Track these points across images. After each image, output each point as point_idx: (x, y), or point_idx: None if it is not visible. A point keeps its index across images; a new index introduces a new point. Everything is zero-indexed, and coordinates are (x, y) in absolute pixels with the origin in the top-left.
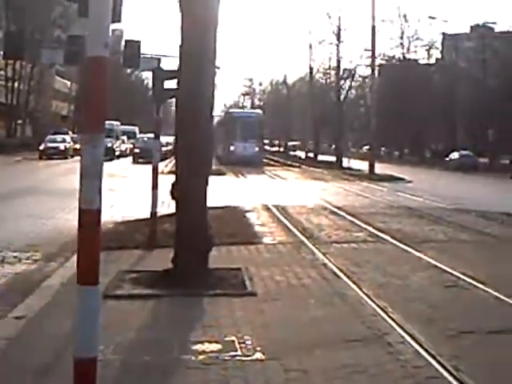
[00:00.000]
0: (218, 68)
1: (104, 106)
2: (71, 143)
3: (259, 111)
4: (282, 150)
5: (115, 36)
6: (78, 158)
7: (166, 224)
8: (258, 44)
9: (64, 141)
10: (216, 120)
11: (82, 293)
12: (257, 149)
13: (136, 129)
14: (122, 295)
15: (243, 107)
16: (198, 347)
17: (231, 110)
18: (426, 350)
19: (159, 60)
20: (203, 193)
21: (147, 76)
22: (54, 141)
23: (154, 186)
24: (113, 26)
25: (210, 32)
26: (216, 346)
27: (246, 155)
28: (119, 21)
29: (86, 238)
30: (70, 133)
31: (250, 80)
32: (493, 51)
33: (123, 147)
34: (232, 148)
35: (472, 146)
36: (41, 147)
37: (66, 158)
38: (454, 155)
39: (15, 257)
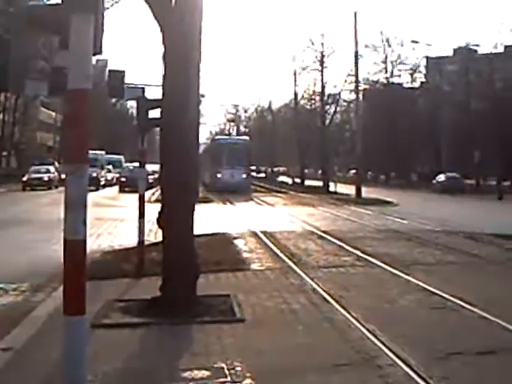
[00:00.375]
0: (203, 96)
1: (87, 137)
2: (55, 174)
3: (246, 138)
4: (268, 176)
5: (99, 66)
6: (63, 188)
7: (154, 252)
8: (243, 72)
9: (48, 171)
10: (202, 147)
11: (69, 323)
12: (244, 175)
13: (122, 158)
14: (111, 324)
15: (229, 134)
16: (188, 374)
17: (218, 137)
18: (416, 372)
19: (143, 89)
20: (190, 221)
21: (132, 105)
22: (38, 171)
23: (141, 215)
24: (96, 57)
25: (194, 61)
26: (205, 373)
27: (234, 182)
28: (100, 53)
29: (72, 268)
30: (56, 163)
31: (236, 107)
32: (476, 73)
33: (109, 176)
34: (219, 175)
35: (458, 168)
36: (24, 178)
37: (50, 188)
38: (441, 177)
39: (1, 288)
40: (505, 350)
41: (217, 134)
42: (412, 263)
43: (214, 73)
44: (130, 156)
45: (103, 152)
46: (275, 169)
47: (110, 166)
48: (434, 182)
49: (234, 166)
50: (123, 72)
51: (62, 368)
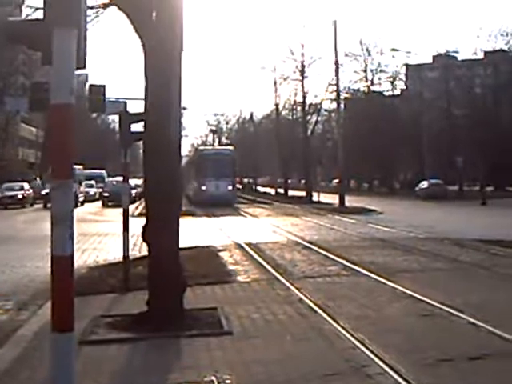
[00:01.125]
0: (185, 109)
1: (71, 152)
2: (30, 191)
3: (230, 148)
4: (245, 186)
5: (80, 81)
6: (39, 206)
7: (139, 267)
8: (224, 83)
9: (22, 189)
10: (185, 160)
11: (57, 340)
12: (230, 187)
13: (104, 173)
14: (98, 340)
15: (213, 145)
16: None
17: (201, 148)
18: (406, 380)
19: (125, 103)
20: (174, 234)
21: (114, 119)
22: (12, 189)
23: (125, 229)
24: (76, 72)
25: (175, 74)
26: None
27: (219, 194)
28: (83, 67)
29: (60, 284)
30: (38, 179)
31: (217, 118)
32: (456, 80)
33: (92, 192)
34: (203, 187)
35: (441, 175)
36: None
37: (24, 206)
38: (424, 184)
39: None
40: (494, 356)
41: (199, 145)
42: (398, 271)
43: (195, 85)
44: (112, 170)
45: (81, 167)
46: (250, 179)
47: (93, 182)
48: (417, 188)
49: (219, 178)
50: (104, 86)
51: None
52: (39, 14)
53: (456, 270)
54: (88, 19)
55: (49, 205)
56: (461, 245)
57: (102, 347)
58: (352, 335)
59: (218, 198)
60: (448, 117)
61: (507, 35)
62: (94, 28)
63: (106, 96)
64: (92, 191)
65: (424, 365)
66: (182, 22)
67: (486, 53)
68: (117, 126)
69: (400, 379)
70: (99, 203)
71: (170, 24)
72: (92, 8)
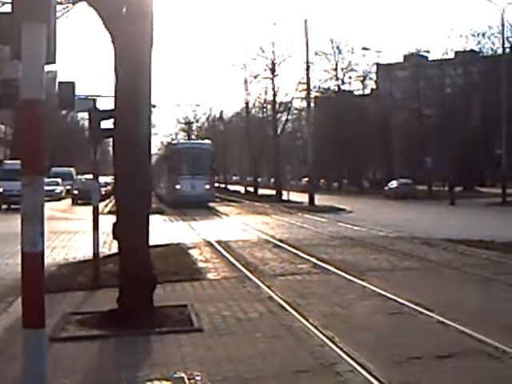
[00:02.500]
0: (154, 106)
1: (42, 148)
2: None
3: (208, 142)
4: (221, 185)
5: (49, 78)
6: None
7: (110, 264)
8: (194, 81)
9: None
10: (155, 158)
11: (29, 336)
12: (207, 186)
13: (72, 170)
14: (68, 337)
15: (189, 138)
16: None
17: (175, 142)
18: (376, 378)
19: (95, 100)
20: (144, 231)
21: (83, 116)
22: None
23: (95, 227)
24: (46, 68)
25: (145, 71)
26: None
27: (195, 194)
28: (53, 62)
29: (30, 281)
30: None
31: (187, 117)
32: (427, 80)
33: (58, 189)
34: (178, 186)
35: (410, 174)
36: None
37: None
38: (393, 184)
39: None
40: (463, 354)
41: (172, 140)
42: (368, 269)
43: (165, 82)
44: (82, 168)
45: None
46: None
47: (58, 179)
48: (387, 188)
49: (195, 175)
50: (73, 83)
51: (22, 382)
52: (8, 8)
53: (425, 269)
54: (57, 15)
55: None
56: (429, 244)
57: (72, 344)
58: (322, 333)
59: (193, 197)
60: (418, 116)
61: (478, 35)
62: (63, 24)
63: (76, 93)
64: (58, 189)
65: (393, 362)
66: (151, 18)
67: (456, 53)
68: (86, 123)
69: (369, 376)
70: (67, 201)
71: (140, 20)
72: (61, 3)
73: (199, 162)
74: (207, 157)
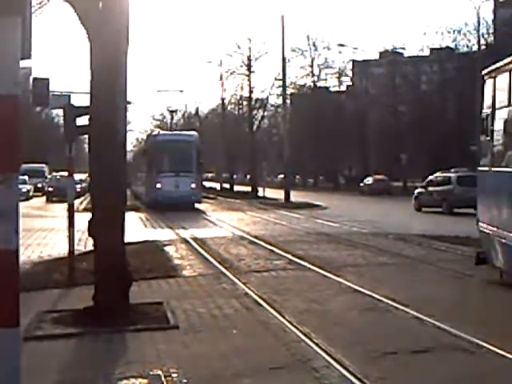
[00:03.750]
0: (130, 103)
1: (17, 144)
2: None
3: (193, 133)
4: None
5: (23, 74)
6: None
7: (85, 262)
8: (170, 77)
9: None
10: (130, 154)
11: (2, 335)
12: (193, 185)
13: (44, 167)
14: (43, 336)
15: (171, 128)
16: (124, 383)
17: (156, 133)
18: (352, 373)
19: (69, 97)
20: (120, 229)
21: (58, 113)
22: None
23: (71, 224)
24: (21, 64)
25: (121, 66)
26: (142, 381)
27: (179, 195)
28: (29, 57)
29: (5, 279)
30: None
31: (162, 114)
32: (402, 76)
33: (24, 189)
34: (158, 185)
35: (386, 171)
36: None
37: None
38: (368, 180)
39: None
40: (438, 349)
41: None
42: (343, 265)
43: (140, 78)
44: (57, 165)
45: None
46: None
47: (26, 177)
48: (362, 184)
49: (179, 173)
50: (48, 79)
51: None
52: None
53: (400, 265)
54: (32, 9)
55: None
56: (404, 240)
57: (47, 343)
58: (298, 329)
59: (177, 198)
60: (394, 113)
61: (453, 32)
62: (38, 19)
63: (50, 89)
64: (24, 188)
65: (369, 358)
66: (127, 13)
67: (432, 50)
68: (61, 120)
69: (345, 372)
70: (41, 199)
71: (116, 16)
72: None
73: (184, 156)
74: (193, 150)
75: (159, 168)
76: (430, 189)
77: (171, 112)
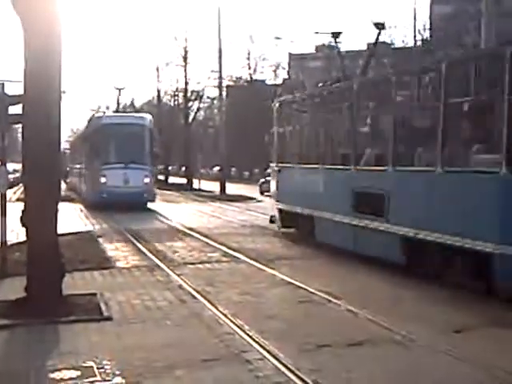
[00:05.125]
0: (64, 92)
1: None
2: None
3: (147, 115)
4: None
5: None
6: None
7: (17, 252)
8: (105, 68)
9: None
10: (68, 141)
11: None
12: (146, 180)
13: None
14: None
15: (117, 110)
16: (56, 375)
17: (100, 115)
18: (286, 366)
19: (3, 85)
20: (53, 219)
21: None
22: None
23: (3, 214)
24: None
25: (55, 55)
26: (74, 373)
27: (129, 191)
28: None
29: None
30: None
31: (98, 105)
32: (338, 70)
33: None
34: (103, 179)
35: None
36: None
37: None
38: None
39: None
40: (372, 342)
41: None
42: (277, 258)
43: (74, 69)
44: None
45: None
46: None
47: None
48: None
49: (129, 164)
50: None
51: None
52: None
53: (334, 258)
54: None
55: None
56: None
57: None
58: (231, 321)
59: (126, 196)
60: None
61: (390, 28)
62: None
63: None
64: None
65: (303, 350)
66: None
67: (369, 44)
68: None
69: (279, 364)
70: None
71: (49, 4)
72: None
73: (135, 143)
74: (146, 136)
75: (104, 158)
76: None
77: (119, 90)
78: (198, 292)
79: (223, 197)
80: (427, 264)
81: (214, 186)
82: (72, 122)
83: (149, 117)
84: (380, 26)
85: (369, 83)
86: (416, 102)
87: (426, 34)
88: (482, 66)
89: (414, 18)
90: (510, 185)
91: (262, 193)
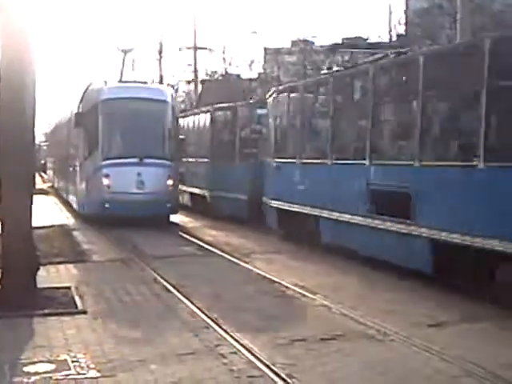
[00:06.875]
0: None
1: None
2: None
3: (167, 88)
4: None
5: None
6: None
7: None
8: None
9: None
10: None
11: None
12: (170, 181)
13: None
14: None
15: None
16: (30, 368)
17: (99, 86)
18: (260, 360)
19: None
20: (28, 212)
21: None
22: None
23: None
24: None
25: (29, 40)
26: (49, 366)
27: (143, 198)
28: None
29: None
30: None
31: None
32: (313, 65)
33: None
34: (106, 181)
35: None
36: None
37: None
38: None
39: None
40: (346, 336)
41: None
42: (253, 252)
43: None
44: None
45: None
46: None
47: None
48: None
49: (144, 159)
50: None
51: None
52: None
53: (309, 252)
54: None
55: None
56: None
57: None
58: (206, 315)
59: (140, 206)
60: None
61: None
62: None
63: None
64: None
65: (277, 344)
66: None
67: (343, 39)
68: None
69: (253, 358)
70: None
71: None
72: None
73: (152, 129)
74: (168, 118)
75: (107, 150)
76: None
77: (125, 52)
78: (172, 286)
79: None
80: (463, 274)
81: None
82: (48, 114)
83: (170, 90)
84: None
85: (389, 66)
86: (453, 86)
87: (401, 29)
88: None
89: (390, 12)
90: None
91: None
